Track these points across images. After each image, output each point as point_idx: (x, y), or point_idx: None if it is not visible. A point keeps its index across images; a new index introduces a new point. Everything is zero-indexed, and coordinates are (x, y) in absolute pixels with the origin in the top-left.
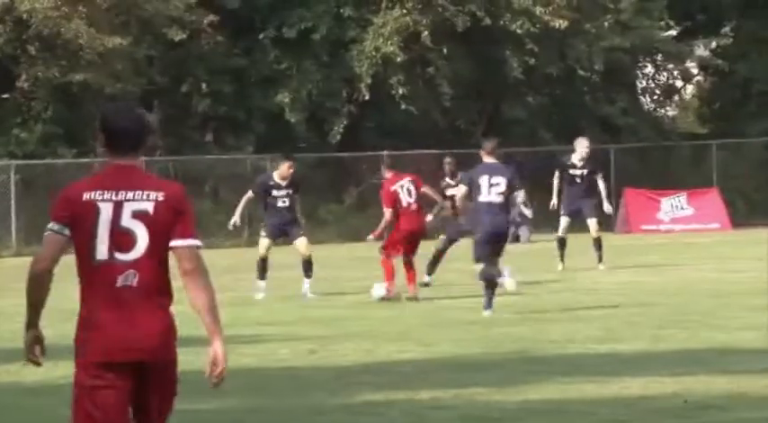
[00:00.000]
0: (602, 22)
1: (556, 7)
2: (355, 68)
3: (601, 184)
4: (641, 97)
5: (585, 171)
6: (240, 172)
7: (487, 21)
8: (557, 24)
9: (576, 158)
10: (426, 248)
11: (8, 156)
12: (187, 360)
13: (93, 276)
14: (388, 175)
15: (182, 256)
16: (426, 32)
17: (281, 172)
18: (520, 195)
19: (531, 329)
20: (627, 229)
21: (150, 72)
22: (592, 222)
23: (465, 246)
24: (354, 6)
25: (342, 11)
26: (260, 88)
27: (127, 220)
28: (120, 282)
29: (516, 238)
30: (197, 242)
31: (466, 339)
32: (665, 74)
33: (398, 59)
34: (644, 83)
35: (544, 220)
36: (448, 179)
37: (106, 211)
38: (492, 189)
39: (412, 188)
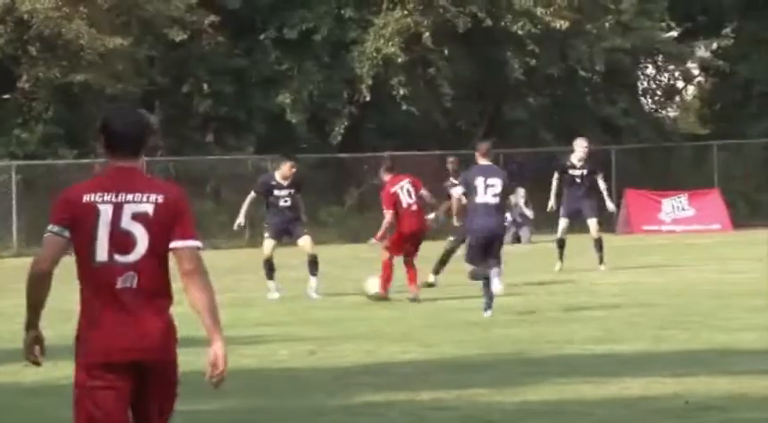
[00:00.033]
0: (603, 22)
1: (557, 8)
2: (356, 69)
3: (601, 184)
4: (642, 98)
5: (585, 171)
6: (241, 172)
7: (488, 22)
8: (558, 25)
9: (575, 159)
10: (426, 250)
11: (9, 156)
12: (187, 361)
13: (93, 278)
14: (386, 177)
15: (182, 257)
16: (427, 33)
17: (282, 172)
18: (521, 195)
19: (532, 331)
20: (628, 230)
21: (151, 72)
22: (592, 223)
23: None
24: (355, 7)
25: (343, 12)
26: (261, 89)
27: (127, 222)
28: (119, 283)
29: (517, 239)
30: (197, 243)
31: (466, 340)
32: (666, 75)
33: (399, 60)
34: (645, 84)
35: (545, 221)
36: (452, 179)
37: (106, 212)
38: (488, 190)
39: (411, 189)
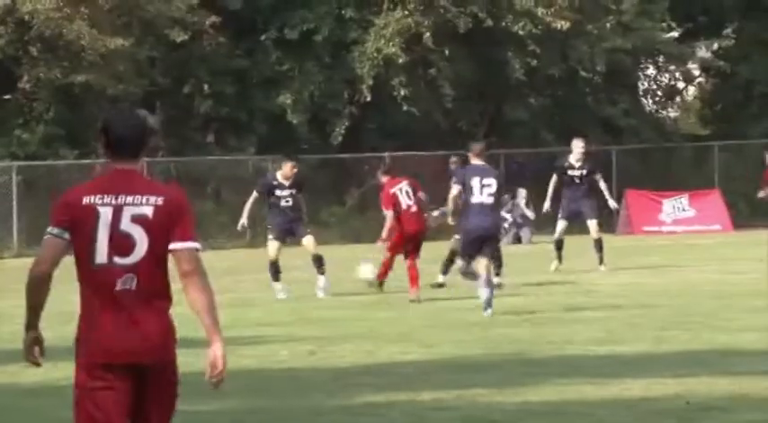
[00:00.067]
0: (603, 23)
1: (558, 8)
2: (357, 70)
3: (602, 184)
4: (643, 98)
5: (584, 171)
6: (242, 173)
7: (489, 22)
8: (558, 26)
9: (573, 159)
10: (428, 250)
11: (10, 157)
12: (187, 361)
13: (93, 280)
14: (383, 179)
15: (181, 259)
16: (428, 34)
17: (284, 172)
18: (522, 196)
19: (532, 331)
20: (629, 231)
21: (152, 73)
22: (592, 224)
23: None
24: (356, 8)
25: (343, 12)
26: (262, 89)
27: (126, 225)
28: (119, 285)
29: (518, 240)
30: (196, 245)
31: (467, 340)
32: (666, 75)
33: (400, 61)
34: (646, 84)
35: (546, 222)
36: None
37: (106, 215)
38: (484, 190)
39: (410, 190)
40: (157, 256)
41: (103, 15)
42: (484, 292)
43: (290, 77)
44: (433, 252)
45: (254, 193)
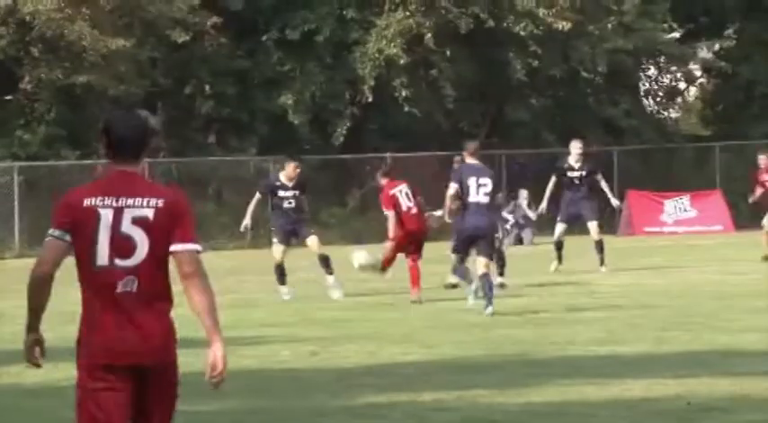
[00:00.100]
0: (605, 24)
1: (559, 9)
2: (358, 70)
3: (603, 183)
4: (644, 99)
5: (584, 172)
6: (243, 174)
7: (491, 23)
8: (560, 26)
9: (572, 161)
10: (430, 251)
11: (11, 157)
12: (187, 362)
13: (94, 282)
14: (383, 181)
15: (181, 261)
16: (429, 34)
17: (287, 172)
18: (523, 197)
19: (533, 331)
20: (630, 231)
21: (154, 74)
22: (593, 225)
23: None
24: (357, 8)
25: (345, 13)
26: (263, 90)
27: (127, 227)
28: (120, 287)
29: (519, 241)
30: (197, 247)
31: (468, 341)
32: (668, 76)
33: (401, 61)
34: (647, 85)
35: (547, 223)
36: None
37: (107, 217)
38: (480, 190)
39: (409, 192)
40: (158, 258)
41: (105, 16)
42: (470, 299)
43: (292, 78)
44: (435, 252)
45: (257, 195)
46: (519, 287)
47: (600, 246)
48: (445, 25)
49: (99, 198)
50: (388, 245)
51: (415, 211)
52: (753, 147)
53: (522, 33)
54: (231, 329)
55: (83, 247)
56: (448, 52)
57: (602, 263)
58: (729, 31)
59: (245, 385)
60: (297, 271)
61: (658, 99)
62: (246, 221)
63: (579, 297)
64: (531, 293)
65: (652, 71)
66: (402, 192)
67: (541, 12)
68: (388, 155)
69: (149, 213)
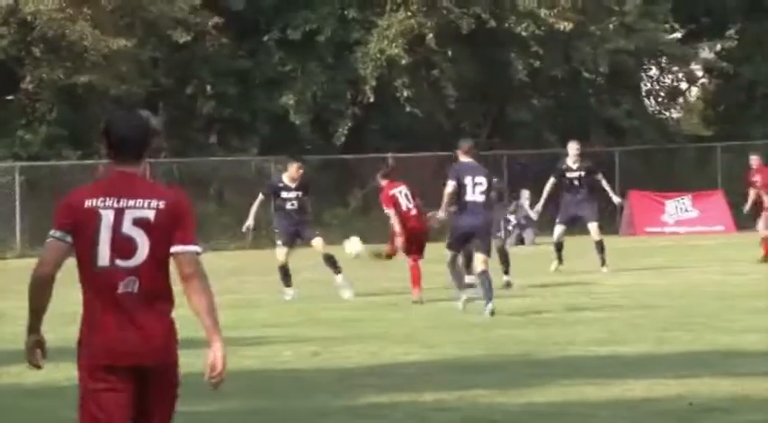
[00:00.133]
0: (606, 24)
1: (561, 10)
2: (360, 70)
3: (603, 182)
4: (646, 99)
5: (582, 173)
6: (244, 174)
7: (492, 23)
8: (561, 27)
9: (570, 162)
10: (433, 252)
11: (13, 157)
12: (188, 362)
13: (95, 282)
14: (382, 182)
15: (181, 262)
16: (431, 35)
17: (290, 173)
18: (525, 197)
19: (534, 332)
20: (631, 232)
21: (155, 74)
22: (593, 226)
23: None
24: (359, 8)
25: (346, 13)
26: (264, 90)
27: (128, 228)
28: (121, 288)
29: (521, 241)
30: (197, 248)
31: (469, 341)
32: (669, 76)
33: (403, 62)
34: (648, 85)
35: (548, 223)
36: None
37: (108, 218)
38: (476, 188)
39: (409, 194)
40: (159, 258)
41: (106, 16)
42: (459, 305)
43: (293, 78)
44: (436, 252)
45: (260, 196)
46: (520, 287)
47: (600, 246)
48: (447, 25)
49: (100, 199)
50: (399, 240)
51: (414, 211)
52: (754, 147)
53: (524, 34)
54: (233, 330)
55: (84, 248)
56: (449, 52)
57: (603, 263)
58: (731, 32)
59: (246, 386)
60: (301, 271)
61: (660, 99)
62: (249, 223)
63: (580, 297)
64: (532, 294)
65: (654, 71)
66: (402, 193)
67: (543, 12)
68: (389, 155)
69: (150, 214)
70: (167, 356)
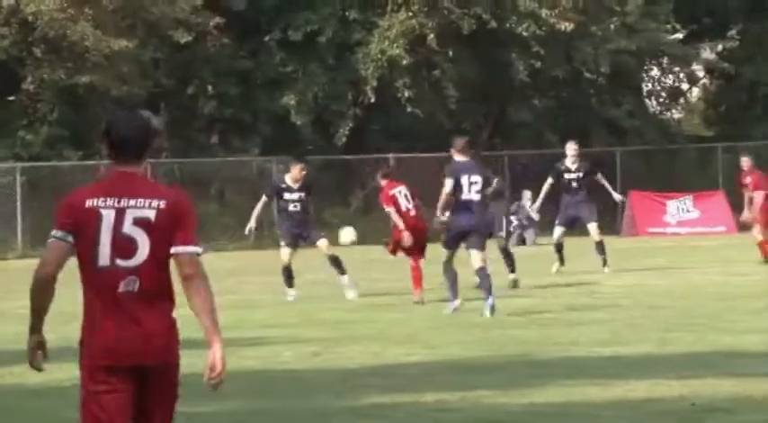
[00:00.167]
0: (608, 24)
1: (562, 10)
2: (361, 71)
3: (603, 181)
4: (647, 100)
5: (581, 173)
6: (246, 174)
7: (493, 23)
8: (563, 27)
9: (568, 162)
10: (431, 252)
11: (14, 158)
12: (188, 362)
13: (96, 282)
14: (382, 183)
15: (182, 263)
16: (432, 35)
17: (293, 174)
18: (526, 198)
19: (536, 332)
20: (633, 232)
21: (156, 74)
22: (592, 227)
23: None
24: (360, 9)
25: (347, 13)
26: (266, 90)
27: (128, 227)
28: (122, 287)
29: (522, 241)
30: (197, 249)
31: (471, 342)
32: (671, 77)
33: (404, 62)
34: (650, 85)
35: (550, 224)
36: None
37: (108, 217)
38: (472, 187)
39: (408, 194)
40: (159, 258)
41: (107, 16)
42: (450, 306)
43: (294, 79)
44: (437, 253)
45: (263, 198)
46: (522, 288)
47: (601, 247)
48: (448, 26)
49: (101, 199)
50: (405, 235)
51: (413, 212)
52: (756, 148)
53: (525, 34)
54: (233, 330)
55: (85, 248)
56: (450, 53)
57: (604, 264)
58: (732, 32)
59: (247, 386)
60: (304, 272)
61: (661, 100)
62: (251, 225)
63: (582, 298)
64: (534, 294)
65: (655, 72)
66: (401, 193)
67: (544, 12)
68: (390, 156)
69: (151, 214)
70: (167, 356)
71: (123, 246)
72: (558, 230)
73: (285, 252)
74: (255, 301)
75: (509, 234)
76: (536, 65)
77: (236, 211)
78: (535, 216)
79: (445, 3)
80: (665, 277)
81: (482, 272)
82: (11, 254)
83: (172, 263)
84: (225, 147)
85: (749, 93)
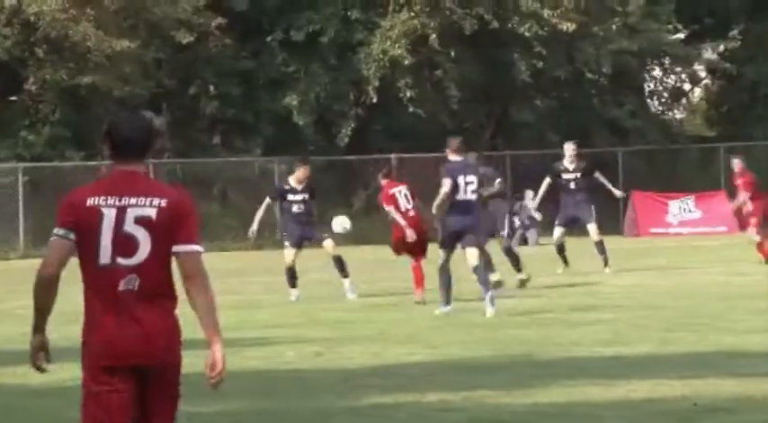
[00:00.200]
0: (609, 25)
1: (564, 10)
2: (363, 71)
3: (602, 179)
4: (649, 100)
5: (579, 174)
6: (248, 175)
7: (495, 24)
8: (565, 27)
9: (566, 162)
10: (432, 252)
11: (16, 158)
12: (190, 362)
13: (97, 280)
14: (383, 182)
15: (183, 262)
16: (434, 35)
17: (297, 176)
18: (529, 198)
19: (538, 332)
20: (635, 232)
21: (158, 75)
22: (592, 227)
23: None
24: (362, 9)
25: (349, 14)
26: (268, 91)
27: (130, 226)
28: (122, 286)
29: (524, 241)
30: (199, 248)
31: (473, 342)
32: (672, 77)
33: (406, 62)
34: (652, 86)
35: (551, 224)
36: None
37: (109, 216)
38: (467, 187)
39: (408, 194)
40: (161, 257)
41: (109, 17)
42: (441, 308)
43: (296, 79)
44: (437, 253)
45: (267, 200)
46: (526, 287)
47: (601, 247)
48: (450, 26)
49: (102, 197)
50: (408, 232)
51: (413, 212)
52: (758, 148)
53: (527, 34)
54: (235, 330)
55: (86, 246)
56: (452, 53)
57: (606, 264)
58: (734, 33)
59: (249, 386)
60: (307, 272)
61: (663, 100)
62: (254, 227)
63: (584, 298)
64: (536, 294)
65: (657, 72)
66: (401, 193)
67: (546, 13)
68: (392, 156)
69: (152, 213)
70: (168, 356)
71: (124, 244)
72: (558, 231)
73: (289, 253)
74: (258, 302)
75: (512, 234)
76: (538, 65)
77: (239, 211)
78: (537, 216)
79: (447, 3)
80: (667, 277)
81: (477, 269)
82: (13, 254)
83: (173, 262)
84: (227, 147)
85: (751, 93)
